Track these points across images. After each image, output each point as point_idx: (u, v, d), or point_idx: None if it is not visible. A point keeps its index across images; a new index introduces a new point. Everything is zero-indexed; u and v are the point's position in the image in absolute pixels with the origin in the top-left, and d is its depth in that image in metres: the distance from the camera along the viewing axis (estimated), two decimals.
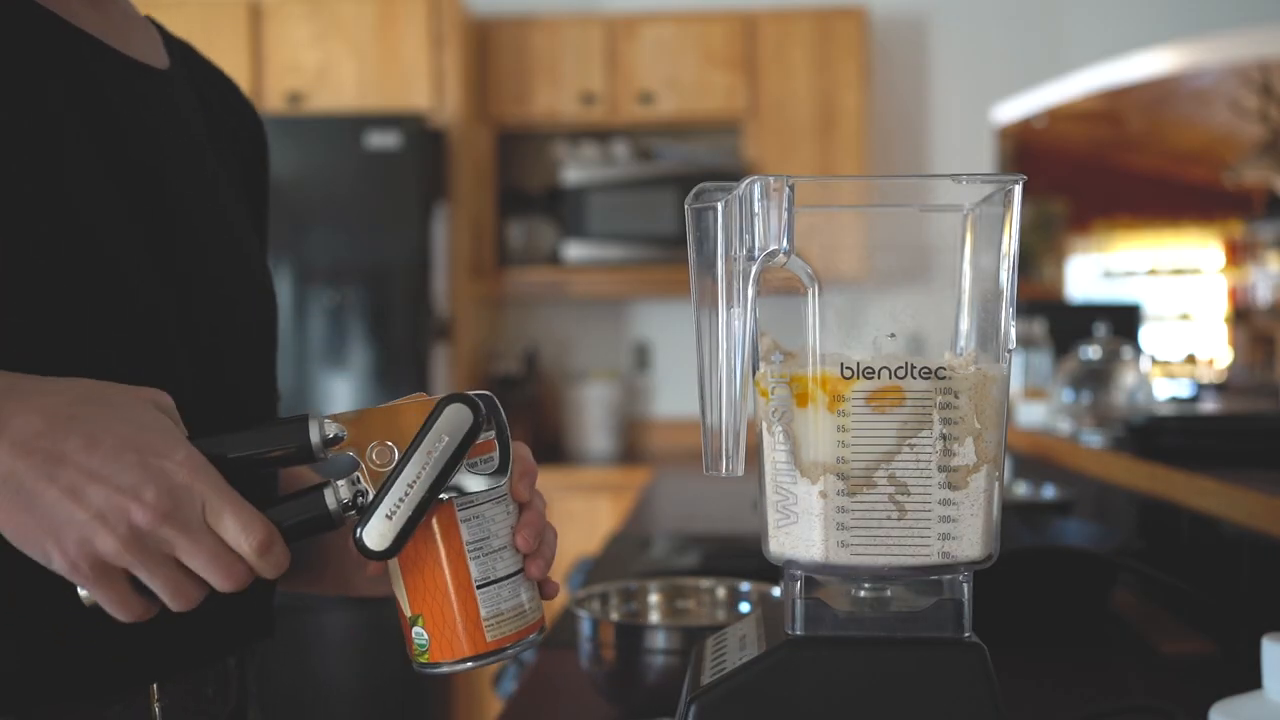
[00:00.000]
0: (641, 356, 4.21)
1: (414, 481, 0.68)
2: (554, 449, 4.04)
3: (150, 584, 0.63)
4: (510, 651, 0.72)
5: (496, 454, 0.72)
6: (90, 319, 0.74)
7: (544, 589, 0.76)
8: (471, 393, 0.71)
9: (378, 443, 0.69)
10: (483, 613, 0.71)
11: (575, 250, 3.81)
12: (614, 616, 1.10)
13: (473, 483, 0.71)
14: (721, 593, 1.13)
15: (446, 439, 0.69)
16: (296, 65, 3.60)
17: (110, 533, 0.60)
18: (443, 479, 0.69)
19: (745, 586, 1.12)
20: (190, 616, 0.70)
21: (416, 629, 0.72)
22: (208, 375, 0.82)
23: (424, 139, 3.43)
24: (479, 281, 3.84)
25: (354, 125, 3.41)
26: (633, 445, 4.15)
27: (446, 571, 0.71)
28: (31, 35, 0.76)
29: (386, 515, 0.68)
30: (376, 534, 0.68)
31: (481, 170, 3.87)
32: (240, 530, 0.63)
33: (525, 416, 3.90)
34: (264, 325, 0.93)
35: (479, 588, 0.71)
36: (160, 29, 0.93)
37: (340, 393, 3.38)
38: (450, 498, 0.70)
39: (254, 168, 1.00)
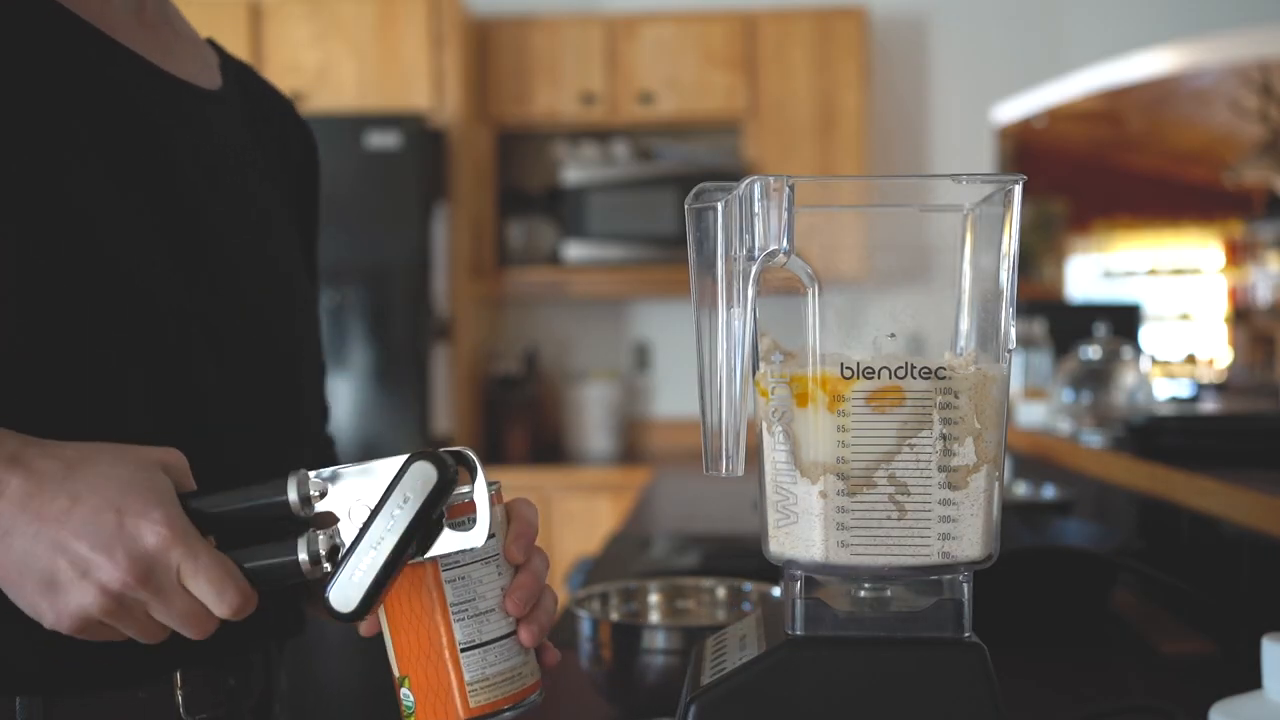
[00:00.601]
0: (641, 356, 4.21)
1: (378, 543, 0.66)
2: (554, 449, 4.04)
3: (125, 631, 0.66)
4: (507, 714, 0.70)
5: (478, 513, 0.69)
6: (91, 322, 0.74)
7: (541, 656, 0.73)
8: (447, 449, 0.69)
9: (357, 501, 0.68)
10: (467, 677, 0.69)
11: (575, 250, 3.81)
12: (614, 616, 1.10)
13: (453, 542, 0.68)
14: (721, 593, 1.13)
15: (410, 498, 0.66)
16: (296, 65, 3.60)
17: (90, 589, 0.63)
18: (407, 540, 0.66)
19: (745, 586, 1.12)
20: None
21: (404, 690, 0.70)
22: (227, 383, 0.82)
23: (424, 139, 3.43)
24: (479, 281, 3.84)
25: (354, 125, 3.41)
26: (633, 445, 4.15)
27: (429, 633, 0.69)
28: (56, 42, 0.77)
29: (351, 577, 0.66)
30: (342, 596, 0.66)
31: (481, 170, 3.87)
32: (214, 595, 0.65)
33: (525, 416, 3.90)
34: (296, 338, 0.93)
35: (463, 651, 0.69)
36: (220, 51, 0.96)
37: (340, 393, 3.38)
38: (435, 557, 0.68)
39: (304, 185, 1.02)
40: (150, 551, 0.63)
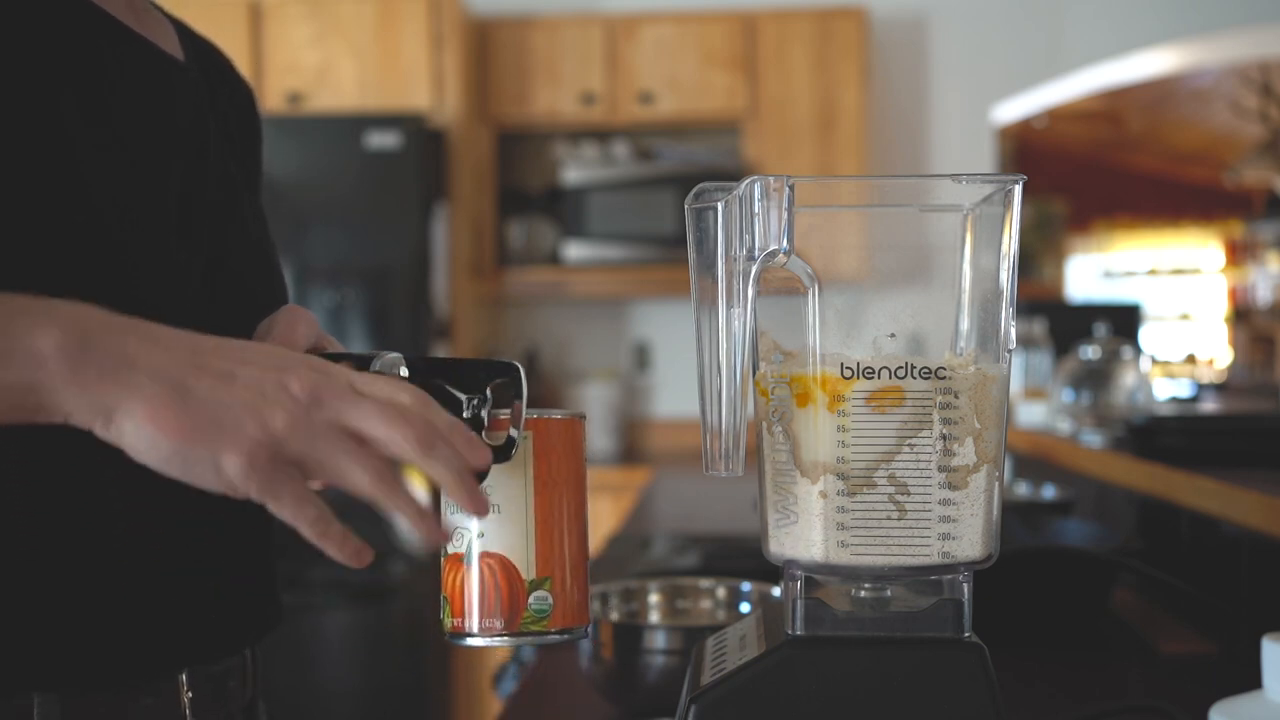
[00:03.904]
0: (641, 356, 4.21)
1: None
2: None
3: (333, 462, 0.60)
4: (588, 628, 0.74)
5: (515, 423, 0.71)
6: (86, 293, 0.73)
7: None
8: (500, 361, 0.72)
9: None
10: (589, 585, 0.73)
11: (575, 250, 3.81)
12: (614, 616, 1.10)
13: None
14: (721, 593, 1.13)
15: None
16: (296, 65, 3.60)
17: (275, 406, 0.59)
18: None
19: (745, 586, 1.12)
20: (212, 604, 0.72)
21: (539, 593, 0.70)
22: None
23: (424, 139, 3.43)
24: (479, 281, 3.84)
25: (354, 125, 3.41)
26: (633, 445, 4.15)
27: (579, 534, 0.72)
28: (56, 17, 0.75)
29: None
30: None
31: (481, 170, 3.87)
32: (392, 389, 0.63)
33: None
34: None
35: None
36: (163, 14, 0.92)
37: None
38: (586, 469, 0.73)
39: (255, 144, 1.00)
40: (319, 365, 0.63)
